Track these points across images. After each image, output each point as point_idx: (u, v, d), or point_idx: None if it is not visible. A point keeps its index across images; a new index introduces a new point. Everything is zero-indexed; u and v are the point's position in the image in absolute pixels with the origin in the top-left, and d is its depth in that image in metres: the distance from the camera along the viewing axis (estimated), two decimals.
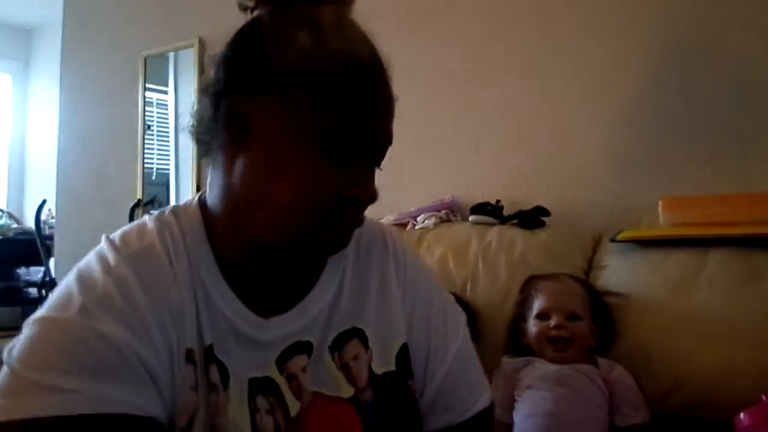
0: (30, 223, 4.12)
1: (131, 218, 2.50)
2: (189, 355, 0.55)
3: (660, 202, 1.31)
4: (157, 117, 2.65)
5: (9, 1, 4.42)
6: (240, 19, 0.67)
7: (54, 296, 0.54)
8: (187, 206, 0.62)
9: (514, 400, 1.08)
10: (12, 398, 0.48)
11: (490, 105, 1.66)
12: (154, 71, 2.62)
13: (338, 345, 0.62)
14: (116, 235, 0.59)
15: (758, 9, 1.31)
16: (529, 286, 1.19)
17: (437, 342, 0.66)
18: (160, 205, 2.54)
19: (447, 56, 1.74)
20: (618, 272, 1.21)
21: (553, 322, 1.07)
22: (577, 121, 1.52)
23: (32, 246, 3.61)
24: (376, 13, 2.05)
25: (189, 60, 2.43)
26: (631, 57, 1.46)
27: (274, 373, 0.59)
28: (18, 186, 4.92)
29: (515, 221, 1.45)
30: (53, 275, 3.02)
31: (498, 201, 1.54)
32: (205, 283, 0.58)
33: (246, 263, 0.59)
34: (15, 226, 4.35)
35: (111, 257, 0.55)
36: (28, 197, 4.80)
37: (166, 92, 2.65)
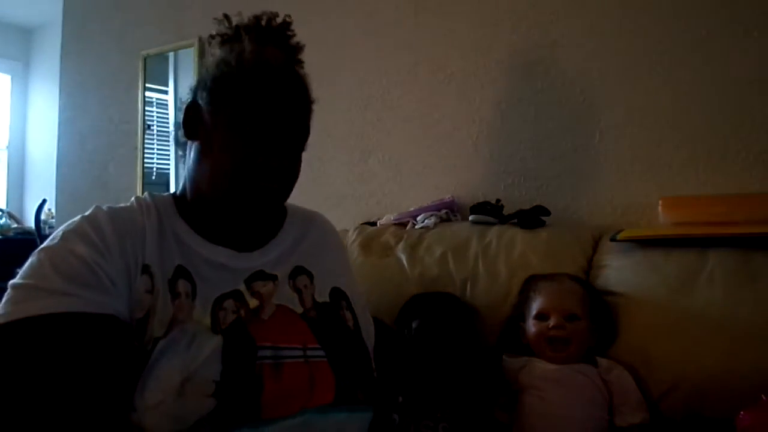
0: (30, 223, 4.11)
1: None
2: (145, 268, 0.75)
3: (660, 202, 1.31)
4: (157, 117, 2.65)
5: (9, 1, 4.42)
6: (239, 20, 0.79)
7: (57, 232, 0.75)
8: (160, 194, 0.87)
9: (513, 399, 1.08)
10: (14, 305, 0.67)
11: (490, 105, 1.66)
12: (154, 71, 2.62)
13: (293, 276, 0.87)
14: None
15: (761, 8, 1.31)
16: (528, 286, 1.18)
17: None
18: None
19: (447, 56, 1.74)
20: (618, 272, 1.21)
21: (551, 322, 1.07)
22: (577, 121, 1.52)
23: (32, 246, 3.57)
24: (376, 13, 2.06)
25: (189, 60, 2.43)
26: (631, 57, 1.46)
27: (242, 288, 0.81)
28: (18, 186, 4.92)
29: (515, 221, 1.45)
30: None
31: (498, 201, 1.54)
32: (177, 233, 0.81)
33: (210, 221, 0.83)
34: (15, 226, 4.35)
35: (92, 209, 0.79)
36: (28, 197, 4.80)
37: (166, 92, 2.65)
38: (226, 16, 0.88)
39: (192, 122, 0.83)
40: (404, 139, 1.81)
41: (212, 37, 0.89)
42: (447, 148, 1.74)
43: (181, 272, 0.78)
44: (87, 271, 0.70)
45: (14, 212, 4.62)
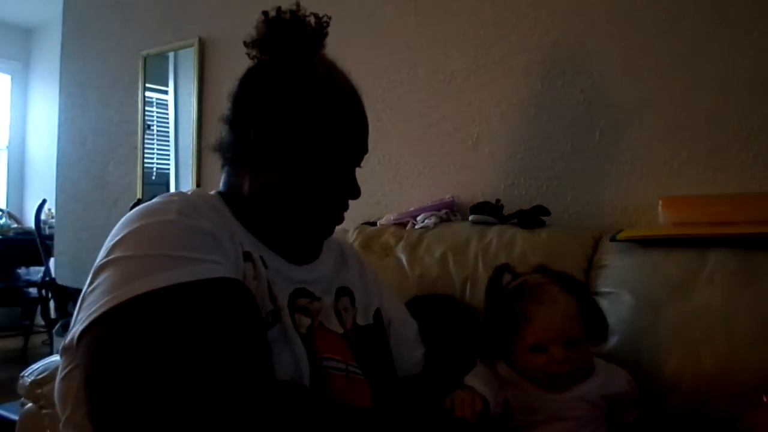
0: (30, 223, 4.12)
1: None
2: (247, 255, 0.73)
3: (660, 202, 1.31)
4: (157, 117, 2.65)
5: (9, 1, 4.42)
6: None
7: (140, 213, 0.69)
8: (199, 192, 0.84)
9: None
10: (149, 275, 0.61)
11: (490, 105, 1.66)
12: (154, 71, 2.62)
13: (336, 297, 0.87)
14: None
15: (761, 8, 1.31)
16: (512, 305, 0.96)
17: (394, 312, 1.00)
18: None
19: (447, 56, 1.74)
20: (618, 272, 1.21)
21: (551, 355, 0.90)
22: (577, 121, 1.52)
23: (32, 246, 3.61)
24: (376, 13, 2.06)
25: (189, 60, 2.43)
26: (631, 56, 1.46)
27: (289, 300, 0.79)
28: (18, 186, 4.92)
29: (515, 221, 1.45)
30: (53, 275, 3.02)
31: (498, 201, 1.54)
32: (236, 233, 0.75)
33: (267, 228, 0.80)
34: (15, 226, 4.35)
35: (173, 194, 0.74)
36: (28, 197, 4.80)
37: (166, 92, 2.65)
38: (266, 13, 0.81)
39: (242, 150, 0.80)
40: (404, 139, 1.81)
41: (250, 42, 0.82)
42: (447, 148, 1.74)
43: (263, 263, 0.77)
44: (217, 243, 0.68)
45: (14, 212, 4.62)
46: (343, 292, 0.90)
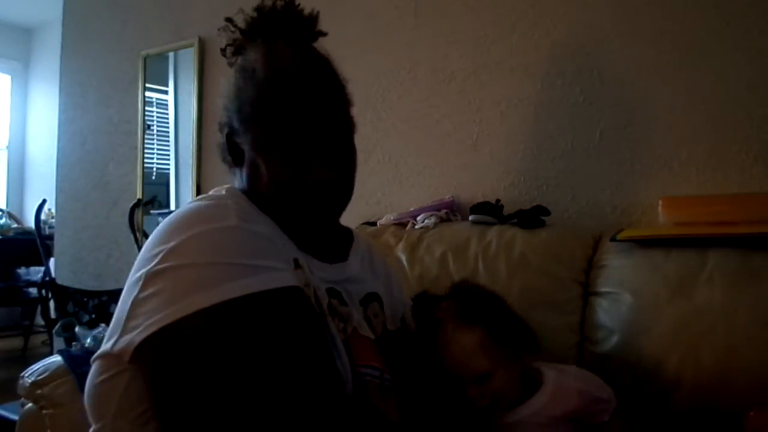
0: (30, 223, 4.12)
1: (131, 218, 2.50)
2: (296, 262, 0.72)
3: (660, 202, 1.31)
4: (157, 117, 2.65)
5: (9, 1, 4.42)
6: (239, 21, 0.76)
7: (196, 215, 0.68)
8: (232, 192, 0.79)
9: None
10: (215, 286, 0.59)
11: (490, 105, 1.66)
12: (154, 71, 2.62)
13: (365, 302, 0.86)
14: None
15: (761, 8, 1.31)
16: (429, 335, 0.93)
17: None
18: (160, 206, 2.55)
19: (447, 56, 1.74)
20: (618, 272, 1.21)
21: (470, 393, 0.88)
22: (577, 121, 1.52)
23: (32, 246, 3.61)
24: (376, 13, 2.06)
25: (189, 60, 2.43)
26: (631, 57, 1.46)
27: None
28: (18, 186, 4.92)
29: (515, 221, 1.45)
30: (53, 275, 3.02)
31: (498, 201, 1.54)
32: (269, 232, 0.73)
33: (292, 225, 0.77)
34: (15, 226, 4.35)
35: (221, 197, 0.75)
36: (28, 197, 4.80)
37: (166, 92, 2.65)
38: (230, 20, 0.82)
39: (234, 150, 0.80)
40: (404, 139, 1.81)
41: (224, 50, 0.83)
42: (447, 148, 1.74)
43: (306, 263, 0.76)
44: (277, 250, 0.67)
45: (14, 212, 4.62)
46: (372, 297, 0.88)
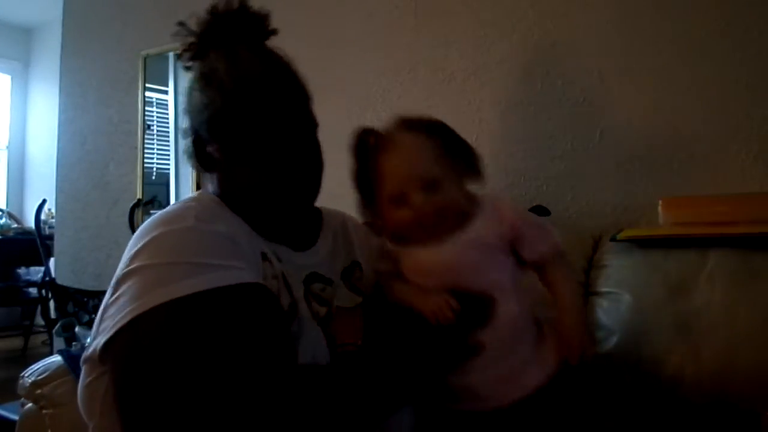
0: (30, 223, 4.12)
1: (131, 218, 2.50)
2: (264, 255, 0.75)
3: (660, 202, 1.31)
4: (157, 117, 2.65)
5: (9, 1, 4.42)
6: (193, 25, 0.83)
7: (159, 220, 0.71)
8: (201, 195, 0.83)
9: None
10: (172, 283, 0.61)
11: (490, 105, 1.66)
12: (154, 71, 2.62)
13: (347, 275, 0.88)
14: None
15: (761, 8, 1.31)
16: (366, 163, 0.86)
17: None
18: (160, 206, 2.54)
19: (447, 56, 1.74)
20: (618, 272, 1.21)
21: (413, 204, 0.80)
22: (577, 121, 1.52)
23: (32, 246, 3.61)
24: (376, 13, 2.06)
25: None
26: (631, 56, 1.46)
27: (303, 289, 0.80)
28: (18, 186, 4.92)
29: None
30: (53, 275, 3.02)
31: None
32: (246, 231, 0.77)
33: (262, 220, 0.80)
34: (15, 226, 4.35)
35: (188, 200, 0.79)
36: (28, 197, 4.80)
37: (166, 92, 2.65)
38: (183, 24, 0.84)
39: (202, 157, 0.82)
40: None
41: (179, 55, 0.84)
42: None
43: (276, 257, 0.79)
44: (236, 247, 0.70)
45: (14, 212, 4.62)
46: (353, 266, 0.91)
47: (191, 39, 0.83)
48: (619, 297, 1.17)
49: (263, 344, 0.63)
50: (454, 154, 0.84)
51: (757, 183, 1.30)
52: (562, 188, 1.54)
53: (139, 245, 0.67)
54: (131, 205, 2.53)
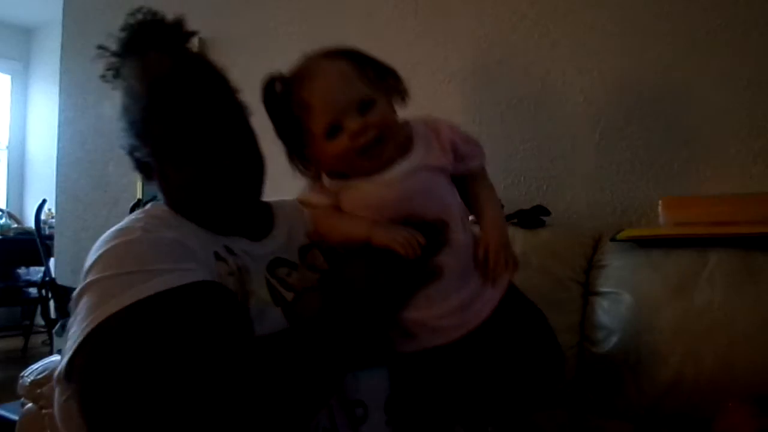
0: (30, 223, 4.12)
1: None
2: (216, 254, 0.75)
3: (660, 202, 1.31)
4: None
5: (9, 1, 4.42)
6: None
7: (108, 236, 0.72)
8: (150, 208, 0.84)
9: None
10: (121, 293, 0.63)
11: (490, 105, 1.66)
12: None
13: (303, 256, 0.88)
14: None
15: (761, 8, 1.31)
16: (289, 104, 0.78)
17: None
18: None
19: (447, 56, 1.74)
20: (618, 272, 1.21)
21: (349, 128, 0.74)
22: (577, 121, 1.52)
23: (32, 246, 3.61)
24: (376, 13, 2.06)
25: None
26: (631, 57, 1.46)
27: (268, 276, 0.81)
28: (18, 186, 4.92)
29: (515, 221, 1.45)
30: (53, 275, 3.02)
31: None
32: (197, 234, 0.78)
33: (212, 220, 0.81)
34: (15, 226, 4.35)
35: (137, 213, 0.79)
36: (28, 197, 4.80)
37: None
38: (102, 47, 0.86)
39: (140, 165, 0.84)
40: None
41: (104, 76, 0.86)
42: None
43: (229, 251, 0.79)
44: (182, 249, 0.70)
45: (14, 212, 4.62)
46: (310, 246, 0.89)
47: (111, 59, 0.85)
48: (619, 297, 1.17)
49: (216, 338, 0.64)
50: (377, 74, 0.80)
51: (757, 183, 1.30)
52: (562, 188, 1.54)
53: (89, 264, 0.69)
54: (131, 205, 2.53)
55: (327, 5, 1.97)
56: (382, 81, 0.80)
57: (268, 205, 0.95)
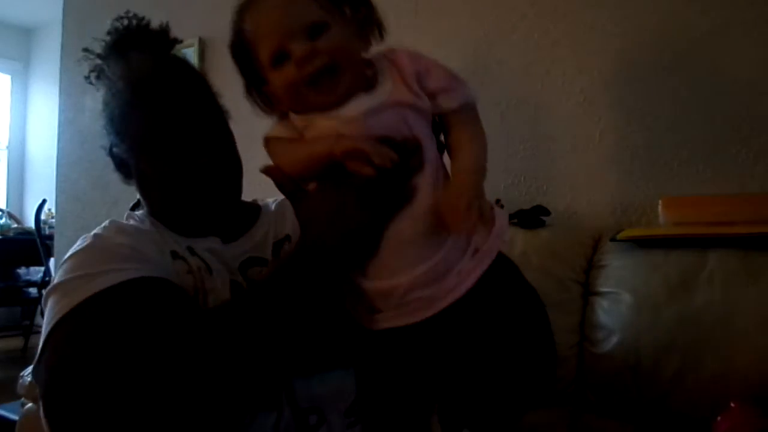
0: (30, 223, 4.12)
1: None
2: (174, 253, 0.78)
3: (660, 202, 1.31)
4: None
5: (9, 1, 4.42)
6: (96, 48, 0.89)
7: (72, 249, 0.76)
8: (131, 214, 0.88)
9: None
10: (76, 290, 0.67)
11: (490, 105, 1.66)
12: None
13: (276, 251, 0.87)
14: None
15: (761, 8, 1.31)
16: (238, 34, 0.70)
17: None
18: None
19: (447, 56, 1.74)
20: (618, 272, 1.21)
21: (295, 54, 0.65)
22: (577, 121, 1.52)
23: (32, 246, 3.61)
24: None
25: (189, 60, 2.43)
26: (631, 56, 1.46)
27: (238, 277, 0.81)
28: (18, 186, 4.92)
29: (515, 221, 1.45)
30: (53, 275, 3.02)
31: (498, 201, 1.54)
32: (158, 237, 0.80)
33: (185, 224, 0.82)
34: (15, 226, 4.35)
35: (106, 222, 0.81)
36: (28, 197, 4.80)
37: None
38: (87, 50, 0.88)
39: (120, 164, 0.86)
40: None
41: (87, 77, 0.89)
42: None
43: (192, 252, 0.80)
44: (135, 253, 0.73)
45: (14, 212, 4.62)
46: (284, 240, 0.88)
47: (96, 61, 0.87)
48: (619, 297, 1.17)
49: (159, 324, 0.65)
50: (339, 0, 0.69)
51: (757, 183, 1.30)
52: (562, 188, 1.54)
53: (60, 264, 0.75)
54: (131, 205, 2.52)
55: None
56: (344, 6, 0.70)
57: (253, 205, 0.95)
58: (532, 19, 1.60)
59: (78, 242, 0.78)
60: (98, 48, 0.87)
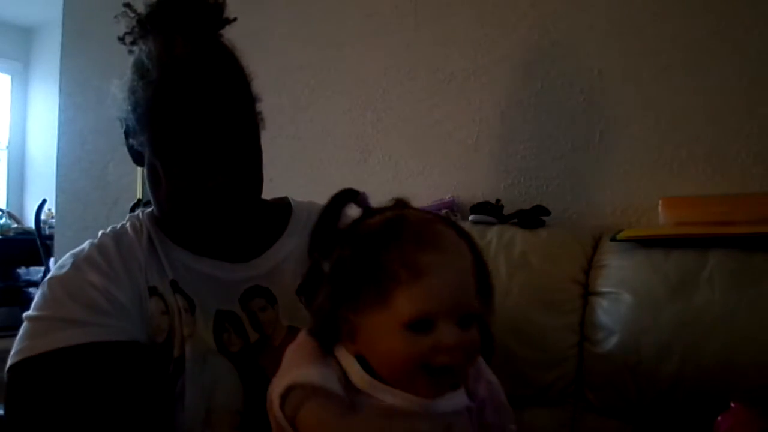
0: (30, 223, 4.12)
1: None
2: (152, 290, 0.75)
3: (660, 202, 1.31)
4: None
5: (9, 1, 4.42)
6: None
7: (56, 264, 0.77)
8: (142, 213, 0.85)
9: None
10: (35, 338, 0.67)
11: (490, 105, 1.66)
12: None
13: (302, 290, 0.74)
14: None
15: (761, 8, 1.31)
16: (381, 253, 0.60)
17: None
18: None
19: (447, 56, 1.74)
20: (618, 272, 1.21)
21: (443, 339, 0.57)
22: (577, 121, 1.52)
23: (32, 246, 3.61)
24: (376, 13, 2.06)
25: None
26: (631, 56, 1.46)
27: (237, 308, 0.77)
28: (18, 186, 4.92)
29: (515, 221, 1.45)
30: None
31: (498, 201, 1.54)
32: (165, 249, 0.79)
33: (188, 235, 0.79)
34: (15, 226, 4.35)
35: (98, 236, 0.82)
36: (28, 197, 4.80)
37: None
38: (128, 5, 0.77)
39: (133, 150, 0.80)
40: (404, 139, 1.81)
41: (121, 38, 0.78)
42: (447, 148, 1.73)
43: (175, 288, 0.76)
44: (103, 299, 0.71)
45: (14, 212, 4.62)
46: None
47: (134, 22, 0.77)
48: (619, 297, 1.17)
49: (92, 404, 0.66)
50: (484, 285, 0.63)
51: (757, 183, 1.30)
52: (562, 188, 1.54)
53: (41, 285, 0.74)
54: (131, 205, 2.52)
55: (327, 5, 1.97)
56: (491, 299, 0.65)
57: (283, 208, 0.86)
58: (532, 19, 1.60)
59: (82, 246, 0.78)
60: (141, 6, 0.76)
